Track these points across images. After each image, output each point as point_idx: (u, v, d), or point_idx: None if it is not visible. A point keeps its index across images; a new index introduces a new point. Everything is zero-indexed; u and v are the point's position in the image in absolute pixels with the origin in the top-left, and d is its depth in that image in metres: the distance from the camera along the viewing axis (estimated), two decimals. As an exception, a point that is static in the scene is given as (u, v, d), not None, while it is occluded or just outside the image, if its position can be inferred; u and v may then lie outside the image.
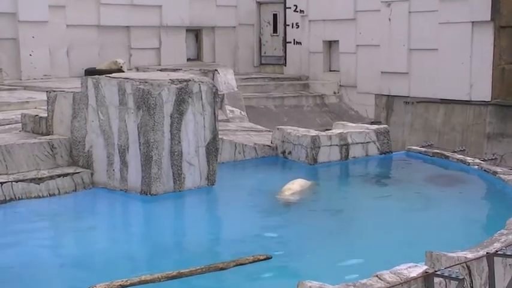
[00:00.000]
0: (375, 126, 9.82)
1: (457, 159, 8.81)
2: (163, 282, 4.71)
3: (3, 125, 9.36)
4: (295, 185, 7.49)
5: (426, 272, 4.13)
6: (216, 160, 7.72)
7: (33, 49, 13.39)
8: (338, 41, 15.44)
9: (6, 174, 7.27)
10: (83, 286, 4.56)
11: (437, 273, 4.13)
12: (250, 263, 5.13)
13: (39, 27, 13.46)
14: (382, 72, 14.34)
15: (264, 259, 5.22)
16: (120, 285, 4.56)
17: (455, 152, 9.24)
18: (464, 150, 9.47)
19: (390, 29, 14.10)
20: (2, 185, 6.96)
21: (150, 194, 7.17)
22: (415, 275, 4.11)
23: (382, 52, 14.32)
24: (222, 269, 4.99)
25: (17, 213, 6.75)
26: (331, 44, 15.84)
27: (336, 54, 15.64)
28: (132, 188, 7.32)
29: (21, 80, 13.18)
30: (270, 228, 6.42)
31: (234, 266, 5.04)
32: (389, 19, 14.10)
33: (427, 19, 13.39)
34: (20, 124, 9.01)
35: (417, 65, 13.70)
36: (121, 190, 7.41)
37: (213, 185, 7.65)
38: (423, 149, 9.46)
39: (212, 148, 7.64)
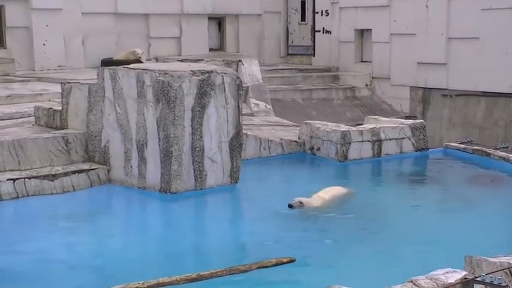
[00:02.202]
0: (410, 121, 9.76)
1: (500, 157, 8.70)
2: (182, 284, 4.74)
3: (15, 118, 9.49)
4: (328, 194, 7.08)
5: (465, 278, 4.10)
6: (240, 156, 7.73)
7: (47, 38, 13.54)
8: (371, 29, 15.34)
9: (19, 170, 7.37)
10: (98, 289, 4.61)
11: (477, 279, 4.09)
12: (273, 265, 5.15)
13: (53, 15, 13.60)
14: (418, 63, 14.23)
15: (288, 262, 5.23)
16: (137, 287, 4.59)
17: (497, 149, 9.13)
18: (507, 147, 9.35)
19: (427, 17, 13.97)
20: (14, 181, 7.05)
21: (169, 192, 7.21)
22: (453, 281, 4.08)
23: (418, 41, 14.20)
24: (243, 271, 5.02)
25: (29, 211, 6.83)
26: (363, 33, 15.75)
27: (369, 43, 15.55)
28: (151, 186, 7.37)
29: (34, 70, 13.34)
30: (295, 230, 6.41)
31: (256, 268, 5.07)
32: (427, 6, 13.97)
33: (468, 5, 13.24)
34: (33, 117, 9.12)
35: (456, 55, 13.56)
36: (139, 188, 7.46)
37: (237, 182, 7.67)
38: (462, 146, 9.37)
39: (236, 144, 7.65)
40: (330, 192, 7.14)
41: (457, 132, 13.21)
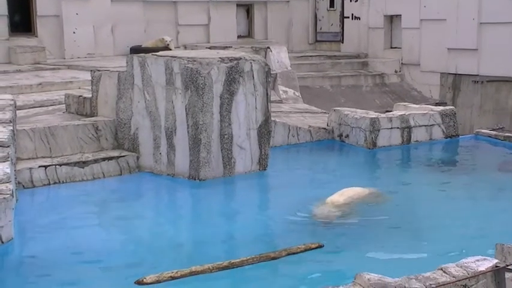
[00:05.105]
0: (440, 108, 9.67)
1: (532, 144, 8.60)
2: (214, 273, 4.77)
3: (46, 106, 9.59)
4: (343, 197, 6.62)
5: (497, 266, 4.05)
6: (268, 144, 7.73)
7: (77, 26, 13.64)
8: (400, 15, 15.20)
9: (50, 157, 7.46)
10: (131, 278, 4.64)
11: (509, 267, 4.05)
12: (301, 251, 5.19)
13: (83, 4, 13.69)
14: (448, 48, 14.07)
15: (316, 247, 5.26)
16: (171, 276, 4.64)
17: (529, 135, 9.02)
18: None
19: (458, 1, 13.78)
20: (45, 168, 7.14)
21: (198, 179, 7.24)
22: (483, 268, 4.04)
23: (448, 27, 14.02)
24: (273, 258, 5.07)
25: (60, 198, 6.91)
26: (392, 19, 15.60)
27: (398, 29, 15.40)
28: (180, 173, 7.41)
29: (64, 58, 13.47)
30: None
31: (286, 255, 5.10)
32: (457, -9, 13.80)
33: (500, -10, 13.06)
34: (64, 105, 9.21)
35: (488, 41, 13.37)
36: (168, 175, 7.51)
37: (265, 170, 7.68)
38: (493, 133, 9.27)
39: (264, 131, 7.65)
40: (345, 194, 6.69)
41: (488, 119, 13.05)
